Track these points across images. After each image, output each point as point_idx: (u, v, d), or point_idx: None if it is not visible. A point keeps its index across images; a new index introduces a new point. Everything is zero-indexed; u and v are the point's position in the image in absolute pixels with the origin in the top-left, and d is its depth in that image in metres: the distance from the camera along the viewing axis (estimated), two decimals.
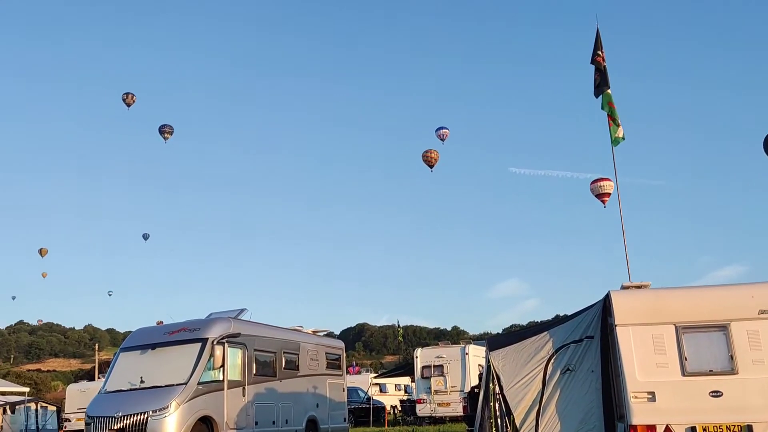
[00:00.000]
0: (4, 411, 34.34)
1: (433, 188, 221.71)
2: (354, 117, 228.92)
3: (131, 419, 12.59)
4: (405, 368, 33.49)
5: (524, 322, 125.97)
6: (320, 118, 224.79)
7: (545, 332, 8.93)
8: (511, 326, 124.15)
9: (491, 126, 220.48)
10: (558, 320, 9.44)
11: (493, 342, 9.26)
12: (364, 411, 28.51)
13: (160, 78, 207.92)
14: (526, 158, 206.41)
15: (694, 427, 7.52)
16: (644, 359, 7.81)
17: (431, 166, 38.25)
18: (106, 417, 12.83)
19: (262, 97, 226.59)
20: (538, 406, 8.51)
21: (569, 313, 9.30)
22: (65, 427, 34.77)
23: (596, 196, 28.15)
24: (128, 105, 46.81)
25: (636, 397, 7.66)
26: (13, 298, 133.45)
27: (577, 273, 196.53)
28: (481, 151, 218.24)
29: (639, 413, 7.60)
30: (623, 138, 13.06)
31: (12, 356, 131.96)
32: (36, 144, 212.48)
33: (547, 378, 8.59)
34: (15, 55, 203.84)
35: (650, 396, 7.66)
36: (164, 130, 45.79)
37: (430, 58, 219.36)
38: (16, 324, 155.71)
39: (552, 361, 8.64)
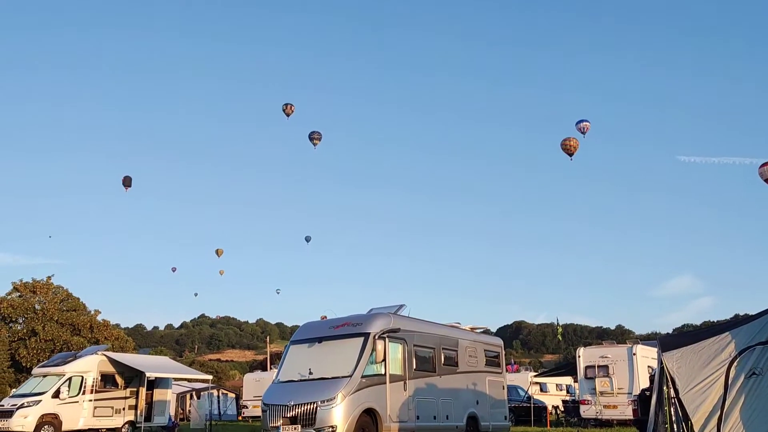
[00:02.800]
0: (191, 396, 38.07)
1: (590, 183, 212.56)
2: (514, 116, 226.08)
3: (302, 408, 13.44)
4: (566, 368, 32.39)
5: (698, 322, 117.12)
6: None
7: (726, 333, 8.26)
8: (683, 326, 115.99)
9: (655, 113, 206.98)
10: (739, 320, 8.70)
11: (666, 342, 8.71)
12: (525, 410, 27.98)
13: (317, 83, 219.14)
14: (697, 145, 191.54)
15: None
16: None
17: (570, 155, 37.13)
18: (280, 405, 13.77)
19: (427, 99, 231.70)
20: (719, 413, 7.88)
21: (751, 313, 8.53)
22: (243, 413, 37.77)
23: (765, 180, 25.46)
24: (287, 115, 49.70)
25: None
26: (196, 294, 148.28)
27: (758, 268, 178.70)
28: (645, 140, 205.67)
29: None
30: None
31: (196, 346, 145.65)
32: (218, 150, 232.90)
33: (729, 383, 7.93)
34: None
35: None
36: (313, 137, 48.02)
37: (561, 54, 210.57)
38: (198, 318, 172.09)
39: (735, 364, 7.97)
